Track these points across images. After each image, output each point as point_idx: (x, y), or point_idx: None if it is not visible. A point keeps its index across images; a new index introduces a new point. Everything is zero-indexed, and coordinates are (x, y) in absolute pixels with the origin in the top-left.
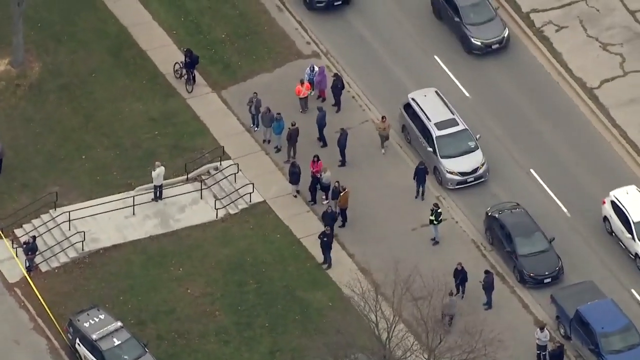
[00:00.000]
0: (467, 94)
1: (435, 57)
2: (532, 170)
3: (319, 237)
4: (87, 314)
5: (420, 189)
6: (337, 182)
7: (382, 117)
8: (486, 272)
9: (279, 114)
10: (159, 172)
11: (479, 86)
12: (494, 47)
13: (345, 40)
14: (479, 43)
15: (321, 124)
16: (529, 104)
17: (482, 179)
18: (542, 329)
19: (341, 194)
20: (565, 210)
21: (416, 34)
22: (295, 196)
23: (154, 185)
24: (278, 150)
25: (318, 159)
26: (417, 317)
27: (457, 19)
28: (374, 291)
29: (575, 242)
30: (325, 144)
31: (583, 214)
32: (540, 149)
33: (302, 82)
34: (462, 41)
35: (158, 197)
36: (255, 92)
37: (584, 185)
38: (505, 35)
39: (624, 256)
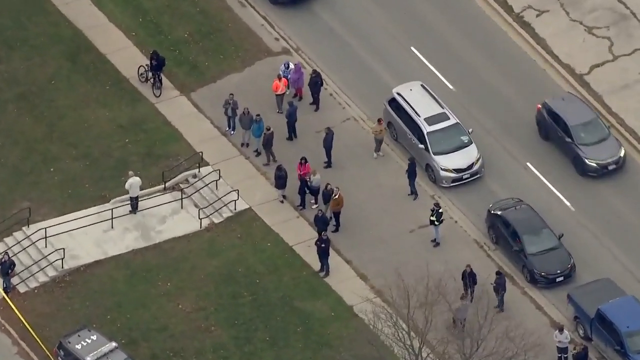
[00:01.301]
0: (451, 87)
1: (413, 48)
2: (529, 164)
3: (316, 244)
4: (78, 335)
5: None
6: (328, 184)
7: (379, 120)
8: (497, 273)
9: (258, 115)
10: (131, 182)
11: (462, 78)
12: (610, 167)
13: (315, 35)
14: (595, 164)
15: (291, 119)
16: (517, 94)
17: (478, 175)
18: (561, 330)
19: (334, 197)
20: (568, 204)
21: (389, 24)
22: (282, 201)
23: (129, 197)
24: (258, 153)
25: (305, 161)
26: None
27: (568, 140)
28: (406, 297)
29: (583, 237)
30: (291, 139)
31: (588, 208)
32: (535, 141)
33: (279, 78)
34: (575, 163)
35: (134, 209)
36: (231, 94)
37: (585, 178)
38: (622, 154)
39: (638, 249)
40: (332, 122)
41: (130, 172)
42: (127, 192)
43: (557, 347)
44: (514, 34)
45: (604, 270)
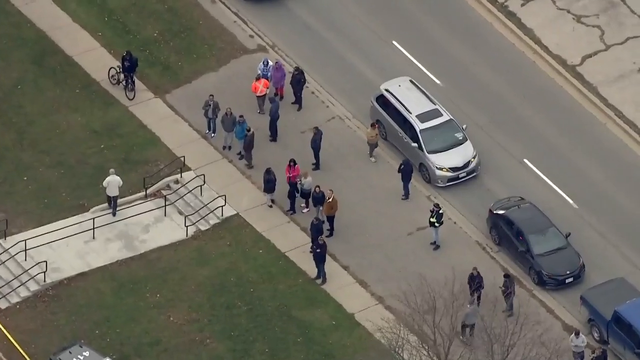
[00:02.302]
0: (438, 82)
1: (394, 42)
2: (526, 160)
3: (312, 250)
4: (70, 352)
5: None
6: (317, 186)
7: (372, 124)
8: (506, 275)
9: (241, 116)
10: (109, 180)
11: (448, 72)
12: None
13: (291, 31)
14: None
15: (275, 116)
16: (507, 87)
17: (474, 174)
18: (577, 334)
19: (328, 200)
20: (570, 201)
21: (367, 18)
22: (271, 206)
23: (107, 196)
24: (242, 156)
25: (295, 163)
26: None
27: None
28: (432, 300)
29: (589, 235)
30: (274, 139)
31: (591, 204)
32: (530, 136)
33: (257, 78)
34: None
35: (113, 209)
36: (211, 95)
37: (586, 172)
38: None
39: None
40: (317, 121)
41: (111, 170)
42: (106, 201)
43: (573, 351)
44: (499, 24)
45: (614, 269)
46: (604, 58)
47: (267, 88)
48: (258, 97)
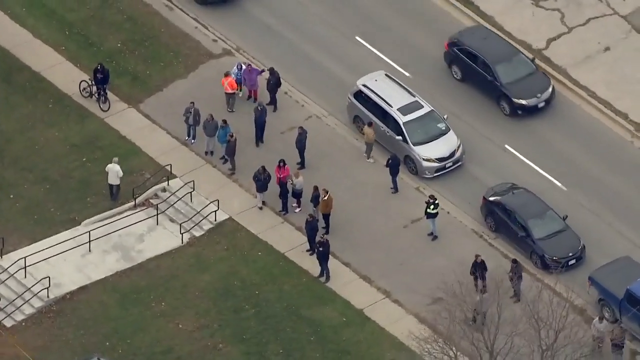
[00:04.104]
0: (407, 74)
1: (358, 38)
2: (507, 146)
3: (315, 248)
4: None
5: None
6: (316, 186)
7: (369, 123)
8: (514, 261)
9: (224, 120)
10: (109, 167)
11: (415, 63)
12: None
13: (253, 33)
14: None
15: (262, 122)
16: None
17: (460, 163)
18: (600, 319)
19: (323, 199)
20: (559, 184)
21: (327, 15)
22: (261, 208)
23: (109, 184)
24: (225, 160)
25: (284, 164)
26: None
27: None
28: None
29: (583, 216)
30: (257, 144)
31: (579, 185)
32: (507, 122)
33: (226, 75)
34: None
35: (114, 196)
36: (192, 102)
37: (569, 154)
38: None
39: None
40: (294, 121)
41: (114, 159)
42: (95, 213)
43: (593, 335)
44: (458, 13)
45: (613, 248)
46: (568, 40)
47: (235, 90)
48: (227, 94)
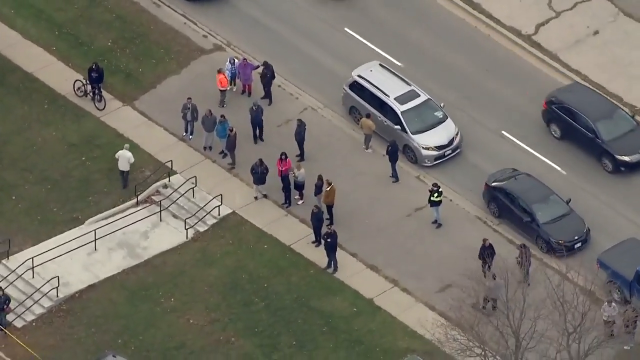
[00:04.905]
0: (399, 64)
1: (347, 29)
2: (504, 132)
3: (323, 239)
4: None
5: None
6: (320, 175)
7: (367, 115)
8: (522, 245)
9: (222, 115)
10: (119, 154)
11: (406, 53)
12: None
13: (242, 27)
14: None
15: (259, 120)
16: (468, 62)
17: (459, 150)
18: (609, 302)
19: (326, 189)
20: (558, 168)
21: (314, 8)
22: (256, 197)
23: (120, 171)
24: (225, 155)
25: (286, 157)
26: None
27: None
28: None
29: (584, 200)
30: (256, 142)
31: (578, 168)
32: (502, 108)
33: (219, 71)
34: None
35: (125, 182)
36: (189, 98)
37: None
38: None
39: None
40: (289, 114)
41: (125, 145)
42: (98, 211)
43: (604, 320)
44: (445, 2)
45: (617, 230)
46: (557, 25)
47: (226, 87)
48: (221, 91)
